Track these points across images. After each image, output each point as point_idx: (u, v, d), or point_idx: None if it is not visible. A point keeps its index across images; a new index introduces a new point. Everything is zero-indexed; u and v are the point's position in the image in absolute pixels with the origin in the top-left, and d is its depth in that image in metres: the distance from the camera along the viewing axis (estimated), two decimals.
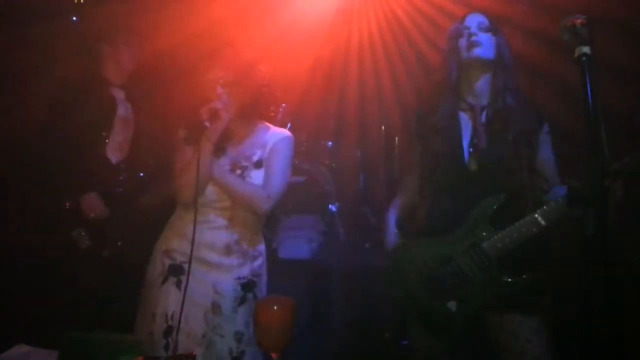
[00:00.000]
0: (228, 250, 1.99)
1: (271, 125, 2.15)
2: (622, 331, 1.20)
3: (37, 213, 2.76)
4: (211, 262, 1.97)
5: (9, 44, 3.16)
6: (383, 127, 4.34)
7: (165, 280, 1.97)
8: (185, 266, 1.91)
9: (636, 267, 2.31)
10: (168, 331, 1.89)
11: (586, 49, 1.30)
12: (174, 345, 1.84)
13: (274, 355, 1.25)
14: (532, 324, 1.82)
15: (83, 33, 3.11)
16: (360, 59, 4.18)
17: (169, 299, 1.93)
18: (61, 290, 2.52)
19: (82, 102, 2.64)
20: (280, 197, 2.06)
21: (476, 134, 1.93)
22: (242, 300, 1.98)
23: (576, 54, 1.32)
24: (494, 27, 1.96)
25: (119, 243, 2.66)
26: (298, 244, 3.76)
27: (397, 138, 4.29)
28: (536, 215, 1.79)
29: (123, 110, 2.79)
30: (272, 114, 2.15)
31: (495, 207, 1.86)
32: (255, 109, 2.07)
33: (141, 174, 2.83)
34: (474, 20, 1.97)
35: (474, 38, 1.92)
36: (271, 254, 3.11)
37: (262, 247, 2.12)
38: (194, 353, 1.32)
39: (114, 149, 2.73)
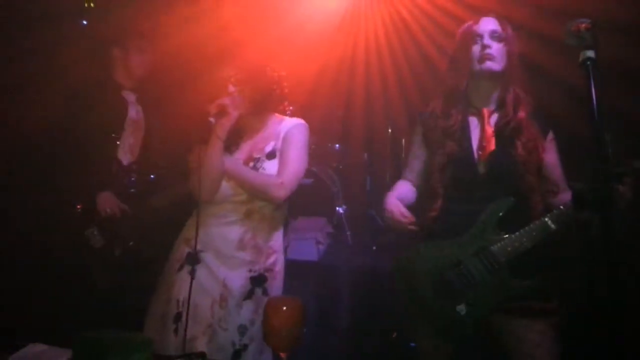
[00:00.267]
0: (241, 244, 2.00)
1: (285, 117, 2.13)
2: (627, 333, 1.20)
3: (50, 214, 2.80)
4: (225, 255, 1.99)
5: (20, 49, 3.21)
6: (390, 130, 4.36)
7: (181, 268, 2.02)
8: (201, 255, 1.98)
9: None
10: (178, 317, 1.94)
11: (590, 53, 1.31)
12: (183, 332, 1.88)
13: (282, 355, 1.27)
14: (540, 327, 1.81)
15: (93, 37, 3.14)
16: (367, 62, 4.20)
17: (182, 285, 1.97)
18: (74, 289, 2.56)
19: (94, 104, 2.67)
20: (296, 185, 2.02)
21: (485, 138, 1.93)
22: (248, 295, 1.98)
23: (581, 58, 1.32)
24: (505, 35, 1.94)
25: (131, 243, 2.70)
26: (306, 246, 3.77)
27: (403, 140, 4.30)
28: (546, 219, 1.79)
29: (134, 112, 2.83)
30: (285, 108, 2.15)
31: (504, 210, 1.86)
32: (266, 105, 2.08)
33: (152, 176, 2.86)
34: (487, 27, 1.94)
35: (487, 51, 1.91)
36: None
37: (278, 244, 2.09)
38: (204, 351, 1.34)
39: (125, 151, 2.77)
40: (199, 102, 2.00)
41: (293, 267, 3.41)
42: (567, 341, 1.85)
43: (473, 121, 1.99)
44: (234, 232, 2.01)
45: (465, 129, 1.97)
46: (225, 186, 2.01)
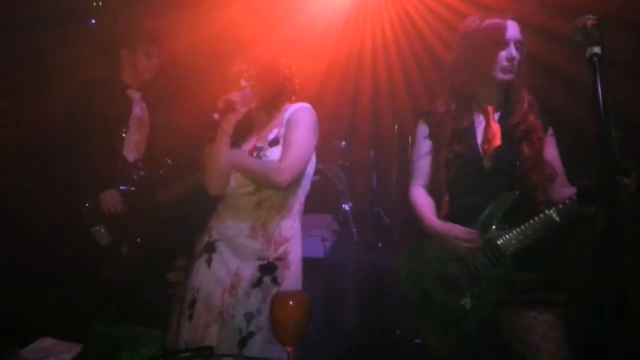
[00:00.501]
0: (252, 233, 2.01)
1: (291, 104, 2.11)
2: (634, 325, 1.21)
3: (58, 211, 2.83)
4: (237, 244, 2.02)
5: (29, 47, 3.24)
6: (396, 127, 4.36)
7: (200, 256, 2.06)
8: (217, 244, 2.03)
9: None
10: (192, 303, 2.00)
11: (597, 49, 1.31)
12: (196, 318, 1.95)
13: (289, 349, 1.28)
14: (547, 319, 1.82)
15: (102, 37, 3.17)
16: (373, 60, 4.20)
17: (198, 273, 2.03)
18: (83, 285, 2.59)
19: (98, 102, 2.70)
20: (300, 169, 1.99)
21: (490, 133, 1.93)
22: (257, 283, 1.98)
23: (587, 54, 1.33)
24: (524, 41, 1.91)
25: (138, 239, 2.73)
26: (312, 243, 3.78)
27: (410, 138, 4.30)
28: (551, 213, 1.79)
29: (138, 110, 2.85)
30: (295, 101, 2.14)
31: (509, 204, 1.86)
32: (277, 100, 2.07)
33: (159, 172, 2.89)
34: (514, 35, 1.90)
35: (514, 63, 1.89)
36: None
37: (290, 233, 2.05)
38: (211, 345, 1.36)
39: (131, 148, 2.80)
40: (208, 97, 2.01)
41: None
42: (573, 333, 1.86)
43: (478, 117, 1.99)
44: (246, 221, 2.02)
45: (470, 125, 1.97)
46: (234, 178, 2.03)
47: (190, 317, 1.98)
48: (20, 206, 3.08)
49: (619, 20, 2.11)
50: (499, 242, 1.84)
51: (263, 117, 2.10)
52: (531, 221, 1.81)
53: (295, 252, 2.05)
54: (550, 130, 1.96)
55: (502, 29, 1.89)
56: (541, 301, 1.83)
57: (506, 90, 1.97)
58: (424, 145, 2.07)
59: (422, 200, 2.02)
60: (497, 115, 1.97)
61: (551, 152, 1.95)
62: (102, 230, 2.67)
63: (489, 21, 1.93)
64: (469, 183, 1.93)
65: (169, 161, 2.97)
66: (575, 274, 2.22)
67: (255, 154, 2.04)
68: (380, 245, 4.14)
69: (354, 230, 4.31)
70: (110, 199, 2.69)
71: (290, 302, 1.28)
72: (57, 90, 3.04)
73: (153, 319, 2.04)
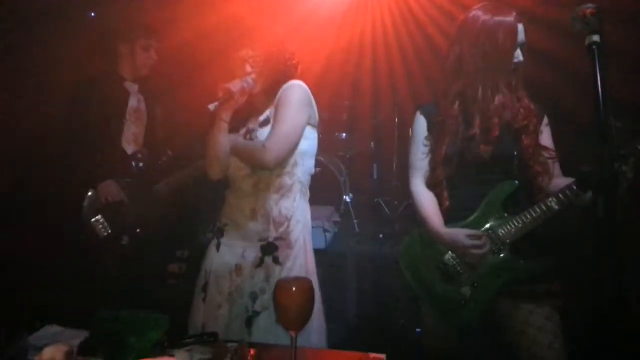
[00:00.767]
0: (253, 214, 2.04)
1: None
2: (634, 317, 1.22)
3: (57, 203, 2.85)
4: (242, 227, 2.06)
5: (27, 39, 3.24)
6: (396, 119, 4.38)
7: (211, 241, 2.14)
8: (225, 228, 2.10)
9: None
10: (205, 286, 2.08)
11: (596, 38, 1.32)
12: (210, 299, 2.04)
13: (292, 334, 1.30)
14: (544, 311, 1.83)
15: (101, 31, 3.17)
16: (374, 51, 4.20)
17: (209, 257, 2.11)
18: (84, 275, 2.62)
19: (95, 94, 2.72)
20: (286, 147, 1.98)
21: (488, 123, 1.94)
22: (259, 263, 2.01)
23: (586, 43, 1.34)
24: (526, 43, 1.91)
25: (138, 230, 2.75)
26: (313, 234, 3.78)
27: (410, 130, 4.31)
28: (550, 201, 1.81)
29: (135, 102, 2.87)
30: None
31: (508, 193, 1.88)
32: (278, 86, 2.06)
33: (159, 163, 2.91)
34: (521, 38, 1.88)
35: (519, 66, 1.90)
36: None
37: (291, 212, 2.04)
38: (215, 331, 1.38)
39: (129, 140, 2.82)
40: (209, 88, 2.02)
41: None
42: (571, 323, 1.88)
43: (477, 108, 1.98)
44: (247, 203, 2.05)
45: (469, 117, 1.97)
46: (233, 161, 2.06)
47: (204, 299, 2.05)
48: (21, 198, 3.10)
49: (617, 10, 2.11)
50: (498, 231, 1.86)
51: (263, 101, 2.10)
52: (531, 210, 1.83)
53: (298, 232, 2.04)
54: (546, 120, 1.96)
55: (515, 32, 1.86)
56: (539, 293, 1.84)
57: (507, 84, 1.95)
58: (423, 139, 2.04)
59: (425, 200, 1.99)
60: (499, 106, 1.97)
61: (546, 141, 1.95)
62: (102, 221, 2.70)
63: (503, 20, 1.87)
64: (468, 174, 1.93)
65: (169, 152, 2.99)
66: (574, 264, 2.23)
67: (247, 136, 2.06)
68: (381, 236, 4.16)
69: (355, 221, 4.33)
70: (108, 190, 2.71)
71: (293, 288, 1.29)
72: (54, 83, 3.05)
73: (153, 310, 2.07)
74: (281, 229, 2.02)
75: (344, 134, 4.49)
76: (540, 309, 1.83)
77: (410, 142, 2.08)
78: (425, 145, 2.02)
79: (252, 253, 2.03)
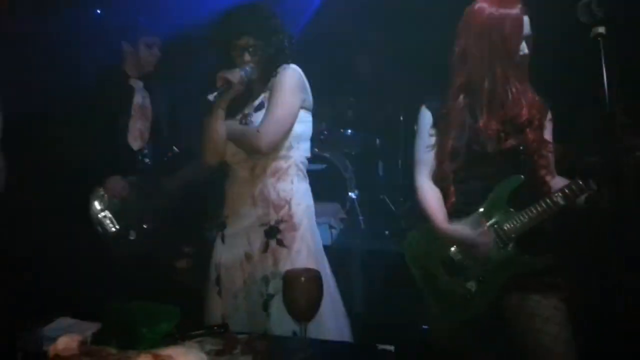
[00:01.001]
0: (253, 200, 2.06)
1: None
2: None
3: (65, 200, 2.89)
4: (243, 214, 2.08)
5: (32, 35, 3.26)
6: (402, 115, 4.38)
7: (217, 234, 2.16)
8: (227, 220, 2.13)
9: None
10: (218, 279, 2.11)
11: (602, 29, 1.33)
12: (225, 292, 2.08)
13: (302, 325, 1.32)
14: (551, 303, 1.84)
15: (106, 29, 3.19)
16: (378, 46, 4.20)
17: (217, 251, 2.14)
18: (94, 270, 2.65)
19: (101, 92, 2.75)
20: (280, 131, 2.00)
21: (494, 116, 1.94)
22: (265, 248, 2.04)
23: (592, 34, 1.34)
24: (532, 36, 1.90)
25: (145, 226, 2.77)
26: (319, 230, 3.81)
27: (415, 124, 4.30)
28: (556, 195, 1.81)
29: (140, 98, 2.89)
30: None
31: (513, 187, 1.88)
32: (275, 69, 2.08)
33: (164, 159, 2.93)
34: (527, 31, 1.88)
35: (524, 59, 1.90)
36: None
37: (290, 194, 2.05)
38: (226, 322, 1.39)
39: (135, 136, 2.84)
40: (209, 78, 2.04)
41: None
42: (578, 316, 1.88)
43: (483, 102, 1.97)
44: (246, 190, 2.08)
45: (475, 111, 1.96)
46: (229, 146, 2.08)
47: (219, 292, 2.08)
48: (28, 195, 3.13)
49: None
50: (504, 226, 1.86)
51: (259, 87, 2.12)
52: (536, 205, 1.83)
53: (300, 214, 2.06)
54: (549, 115, 1.96)
55: (520, 24, 1.86)
56: (545, 284, 1.85)
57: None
58: (429, 134, 2.03)
59: (429, 195, 1.98)
60: (503, 99, 1.97)
61: (547, 136, 1.95)
62: (110, 217, 2.73)
63: (507, 12, 1.86)
64: (474, 168, 1.93)
65: (175, 148, 3.01)
66: (580, 256, 2.24)
67: (243, 121, 2.08)
68: (387, 232, 4.17)
69: (361, 218, 4.34)
70: (115, 186, 2.75)
71: (302, 279, 1.31)
72: (61, 79, 3.07)
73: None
74: (282, 212, 2.04)
75: (349, 131, 4.49)
76: (547, 300, 1.84)
77: (416, 136, 2.08)
78: (431, 139, 2.01)
79: (257, 239, 2.05)
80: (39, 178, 3.13)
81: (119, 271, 2.66)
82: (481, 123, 1.91)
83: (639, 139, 1.62)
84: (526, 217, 1.85)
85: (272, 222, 2.04)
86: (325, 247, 3.76)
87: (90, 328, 1.40)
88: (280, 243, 2.03)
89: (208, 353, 1.23)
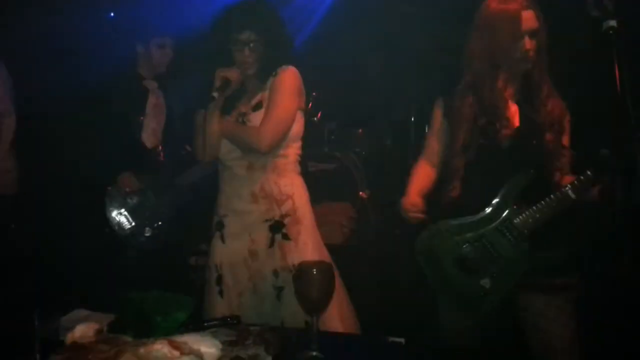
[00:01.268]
0: (254, 197, 2.07)
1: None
2: None
3: (80, 198, 2.93)
4: (243, 211, 2.08)
5: (46, 34, 3.31)
6: (413, 115, 4.38)
7: (214, 235, 2.15)
8: (225, 220, 2.11)
9: None
10: (219, 279, 2.09)
11: (613, 23, 1.33)
12: (227, 292, 2.07)
13: (313, 316, 1.32)
14: (558, 303, 1.84)
15: (120, 30, 3.23)
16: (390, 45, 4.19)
17: (217, 251, 2.12)
18: (111, 265, 2.68)
19: (116, 94, 2.78)
20: (281, 132, 2.04)
21: (509, 114, 1.94)
22: (271, 243, 2.05)
23: (603, 28, 1.35)
24: (540, 29, 1.87)
25: (159, 223, 2.80)
26: (330, 230, 3.83)
27: (426, 127, 4.30)
28: (567, 189, 1.80)
29: (154, 98, 2.92)
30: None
31: (525, 183, 1.87)
32: (277, 63, 2.09)
33: (178, 157, 2.96)
34: (529, 25, 1.86)
35: (530, 56, 1.87)
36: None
37: (292, 189, 2.09)
38: (238, 314, 1.41)
39: (149, 135, 2.88)
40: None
41: None
42: (586, 315, 1.87)
43: (497, 98, 1.98)
44: (245, 187, 2.08)
45: (489, 107, 1.97)
46: (224, 144, 2.09)
47: (221, 292, 2.07)
48: (44, 193, 3.19)
49: None
50: (515, 221, 1.86)
51: (255, 84, 2.14)
52: (547, 199, 1.82)
53: (303, 207, 2.10)
54: (568, 116, 1.95)
55: (517, 21, 1.85)
56: (557, 286, 1.85)
57: (526, 75, 1.95)
58: (439, 125, 2.07)
59: (415, 172, 2.10)
60: (516, 97, 1.97)
61: (565, 139, 1.94)
62: (125, 215, 2.76)
63: (504, 8, 1.88)
64: (485, 164, 1.93)
65: (188, 147, 3.04)
66: (592, 254, 2.22)
67: (240, 119, 2.09)
68: (398, 232, 4.16)
69: (372, 218, 4.34)
70: (126, 181, 2.78)
71: (314, 272, 1.31)
72: (74, 77, 3.11)
73: None
74: (286, 206, 2.07)
75: (360, 130, 4.50)
76: (555, 300, 1.84)
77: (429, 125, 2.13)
78: (440, 131, 2.06)
79: (262, 235, 2.06)
80: (54, 177, 3.19)
81: (133, 267, 2.69)
82: (487, 120, 1.92)
83: None
84: (537, 211, 1.84)
85: (277, 217, 2.06)
86: (336, 246, 3.82)
87: (106, 319, 1.42)
88: (286, 237, 2.05)
89: (221, 344, 1.24)
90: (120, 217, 2.77)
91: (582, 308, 1.88)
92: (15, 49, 3.04)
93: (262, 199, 2.06)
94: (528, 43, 1.87)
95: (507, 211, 1.88)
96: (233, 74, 2.03)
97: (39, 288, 2.28)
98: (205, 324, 1.37)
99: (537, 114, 1.90)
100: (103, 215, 2.77)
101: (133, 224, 2.77)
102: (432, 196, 2.10)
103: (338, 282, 2.10)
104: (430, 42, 3.82)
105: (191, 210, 2.91)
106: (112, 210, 2.77)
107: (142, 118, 2.85)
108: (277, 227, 2.06)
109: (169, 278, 2.78)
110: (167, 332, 1.23)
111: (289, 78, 2.06)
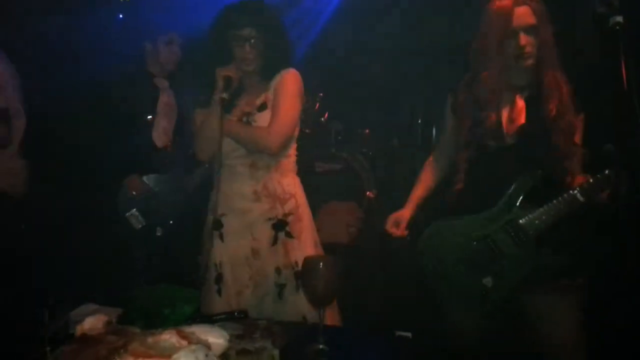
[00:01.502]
0: (256, 196, 2.09)
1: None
2: None
3: (91, 198, 2.95)
4: (245, 210, 2.10)
5: (56, 36, 3.34)
6: (420, 115, 4.38)
7: (212, 235, 2.14)
8: (223, 219, 2.11)
9: None
10: (219, 278, 2.09)
11: (619, 18, 1.33)
12: (226, 291, 2.07)
13: (320, 309, 1.34)
14: (565, 304, 1.84)
15: (129, 29, 3.26)
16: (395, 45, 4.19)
17: (215, 250, 2.12)
18: (119, 265, 2.71)
19: (126, 93, 2.80)
20: (288, 133, 2.08)
21: (515, 111, 1.93)
22: (274, 241, 2.08)
23: (610, 24, 1.35)
24: (539, 24, 1.86)
25: (171, 222, 2.82)
26: (337, 229, 3.84)
27: (433, 127, 4.30)
28: (575, 192, 1.79)
29: (166, 97, 2.94)
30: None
31: (532, 183, 1.86)
32: (278, 65, 2.13)
33: (187, 157, 2.98)
34: (522, 22, 1.85)
35: (526, 51, 1.86)
36: None
37: (294, 188, 2.15)
38: (246, 309, 1.42)
39: (159, 134, 2.89)
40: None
41: (324, 250, 3.48)
42: (592, 316, 1.86)
43: (504, 95, 1.96)
44: (247, 186, 2.09)
45: (494, 103, 1.97)
46: (226, 142, 2.09)
47: (219, 291, 2.08)
48: (58, 193, 3.21)
49: None
50: (521, 222, 1.84)
51: (255, 82, 2.16)
52: (554, 201, 1.81)
53: (304, 206, 2.15)
54: (581, 115, 1.92)
55: (508, 18, 1.85)
56: (563, 287, 1.84)
57: (531, 72, 1.94)
58: (449, 121, 2.11)
59: (421, 179, 2.17)
60: (524, 94, 1.95)
61: (577, 137, 1.91)
62: (137, 215, 2.78)
63: (497, 4, 1.89)
64: (489, 160, 1.93)
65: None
66: (598, 255, 2.20)
67: (244, 119, 2.10)
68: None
69: (378, 218, 4.33)
70: (133, 184, 2.80)
71: (320, 265, 1.33)
72: (85, 83, 3.14)
73: None
74: (289, 205, 2.10)
75: (367, 131, 4.50)
76: (562, 301, 1.84)
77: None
78: (449, 127, 2.09)
79: (264, 233, 2.08)
80: (64, 176, 3.22)
81: (143, 265, 2.71)
82: (485, 117, 1.92)
83: None
84: (544, 214, 1.83)
85: (280, 216, 2.09)
86: (343, 245, 3.82)
87: (115, 312, 1.44)
88: (289, 235, 2.09)
89: (229, 335, 1.25)
90: (131, 217, 2.79)
91: (588, 308, 1.87)
92: (23, 50, 3.07)
93: (265, 198, 2.09)
94: (523, 39, 1.86)
95: (513, 211, 1.87)
96: (233, 71, 2.05)
97: (48, 285, 2.31)
98: (213, 318, 1.39)
99: (543, 111, 1.88)
100: (113, 215, 2.80)
101: (144, 223, 2.79)
102: (438, 192, 2.12)
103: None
104: (438, 40, 3.82)
105: (199, 209, 2.93)
106: (123, 211, 2.80)
107: (152, 117, 2.87)
108: (281, 226, 2.09)
109: (180, 276, 2.80)
110: (175, 324, 1.24)
111: (294, 81, 2.11)
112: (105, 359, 1.03)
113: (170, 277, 2.70)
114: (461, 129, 1.99)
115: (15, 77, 2.60)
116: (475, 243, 1.91)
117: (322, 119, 4.26)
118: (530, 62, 1.89)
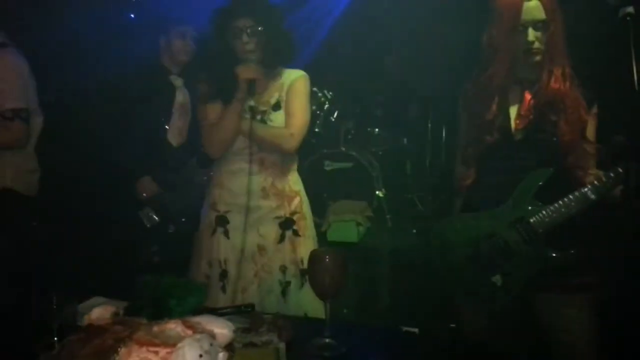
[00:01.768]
0: (264, 193, 2.11)
1: (285, 69, 2.19)
2: None
3: (106, 196, 2.98)
4: (252, 207, 2.09)
5: (72, 25, 3.37)
6: (430, 114, 4.38)
7: (214, 231, 2.15)
8: (229, 216, 2.12)
9: None
10: (223, 275, 2.11)
11: (630, 9, 1.32)
12: (230, 288, 2.08)
13: (326, 302, 1.33)
14: (577, 302, 1.80)
15: (143, 25, 3.28)
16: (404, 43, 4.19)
17: (220, 247, 2.13)
18: (135, 259, 2.73)
19: (143, 92, 2.82)
20: (304, 134, 2.14)
21: (524, 106, 1.91)
22: (281, 239, 2.10)
23: (620, 14, 1.33)
24: (550, 20, 1.81)
25: (183, 219, 2.84)
26: (346, 228, 3.85)
27: (443, 126, 4.29)
28: (586, 190, 1.75)
29: (181, 96, 2.95)
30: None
31: (542, 180, 1.82)
32: (280, 57, 2.13)
33: (201, 154, 2.99)
34: (532, 16, 1.81)
35: (533, 46, 1.82)
36: (321, 237, 3.18)
37: (298, 186, 2.20)
38: (253, 303, 1.42)
39: (174, 133, 2.90)
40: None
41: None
42: (606, 315, 1.84)
43: (513, 89, 1.95)
44: (255, 183, 2.10)
45: (503, 99, 1.95)
46: (237, 139, 2.10)
47: (223, 288, 2.09)
48: (72, 192, 3.25)
49: None
50: (531, 220, 1.80)
51: (270, 84, 2.16)
52: (565, 199, 1.77)
53: (307, 203, 2.20)
54: (595, 109, 1.87)
55: (517, 12, 1.82)
56: (573, 286, 1.81)
57: (539, 67, 1.90)
58: (462, 118, 2.07)
59: None
60: (533, 89, 1.92)
61: (589, 132, 1.87)
62: (150, 213, 2.80)
63: (505, 1, 1.86)
64: (499, 156, 1.90)
65: None
66: (609, 254, 2.17)
67: (259, 117, 2.11)
68: (414, 231, 4.15)
69: (388, 217, 4.34)
70: (144, 186, 2.81)
71: (327, 259, 1.33)
72: (100, 81, 3.17)
73: None
74: (295, 203, 2.14)
75: (377, 130, 4.51)
76: (574, 300, 1.80)
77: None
78: (463, 124, 2.06)
79: (271, 231, 2.10)
80: (79, 173, 3.25)
81: (155, 261, 2.74)
82: (492, 114, 1.90)
83: None
84: (554, 211, 1.78)
85: (287, 214, 2.12)
86: (353, 245, 3.82)
87: (122, 304, 1.45)
88: (295, 233, 2.12)
89: (235, 330, 1.25)
90: (144, 215, 2.81)
91: (602, 307, 1.84)
92: (38, 48, 3.10)
93: (273, 196, 2.11)
94: (532, 34, 1.82)
95: (523, 209, 1.83)
96: (254, 71, 2.06)
97: (58, 279, 2.33)
98: (220, 311, 1.39)
99: (552, 106, 1.85)
100: (126, 212, 2.82)
101: (157, 220, 2.81)
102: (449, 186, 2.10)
103: None
104: (448, 38, 3.81)
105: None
106: (138, 208, 2.82)
107: (168, 116, 2.88)
108: (288, 224, 2.11)
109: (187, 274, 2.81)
110: (180, 316, 1.24)
111: (306, 85, 2.16)
112: (111, 348, 1.03)
113: (179, 275, 2.74)
114: (470, 124, 1.98)
115: (32, 77, 2.63)
116: (484, 240, 1.89)
117: (332, 118, 4.27)
118: (538, 58, 1.85)
